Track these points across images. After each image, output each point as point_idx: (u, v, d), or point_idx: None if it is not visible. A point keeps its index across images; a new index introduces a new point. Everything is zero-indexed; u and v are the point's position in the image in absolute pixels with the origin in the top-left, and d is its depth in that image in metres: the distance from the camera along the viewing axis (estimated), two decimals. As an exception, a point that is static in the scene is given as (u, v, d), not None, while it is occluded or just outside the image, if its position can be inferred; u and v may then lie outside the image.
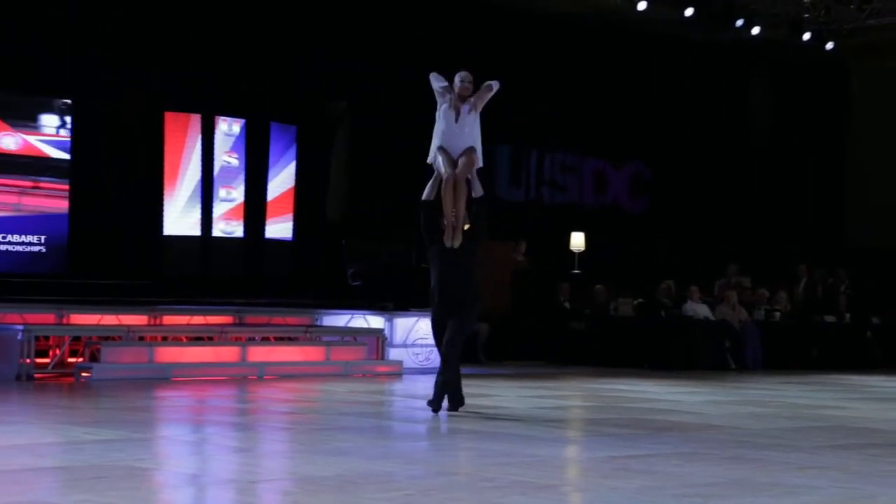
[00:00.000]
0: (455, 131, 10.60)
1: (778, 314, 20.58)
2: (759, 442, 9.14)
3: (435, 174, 10.57)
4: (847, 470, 7.76)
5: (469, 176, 10.51)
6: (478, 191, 10.56)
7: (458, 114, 10.64)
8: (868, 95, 25.21)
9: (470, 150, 10.57)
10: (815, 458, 8.35)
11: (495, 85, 10.99)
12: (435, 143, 10.68)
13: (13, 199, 16.88)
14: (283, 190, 19.08)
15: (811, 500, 6.57)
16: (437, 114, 10.73)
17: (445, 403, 10.59)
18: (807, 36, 21.82)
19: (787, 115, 25.16)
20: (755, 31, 21.08)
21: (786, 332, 20.22)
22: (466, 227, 10.52)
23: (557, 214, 22.23)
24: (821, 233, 25.02)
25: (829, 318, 21.20)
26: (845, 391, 15.08)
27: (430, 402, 10.59)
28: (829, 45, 22.17)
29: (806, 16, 21.67)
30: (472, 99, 10.77)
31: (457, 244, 10.40)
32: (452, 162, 10.52)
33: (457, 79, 10.89)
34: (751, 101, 25.17)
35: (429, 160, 10.75)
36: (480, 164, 10.69)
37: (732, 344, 19.26)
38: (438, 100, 10.79)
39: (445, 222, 10.44)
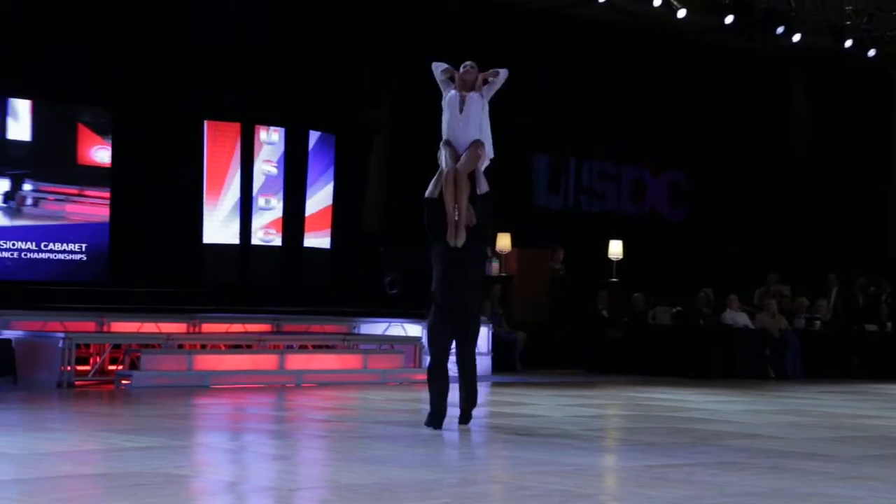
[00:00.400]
0: (460, 123, 9.98)
1: (818, 323, 20.44)
2: (800, 452, 9.10)
3: (438, 170, 10.04)
4: (888, 480, 7.72)
5: (475, 170, 9.95)
6: (483, 187, 9.98)
7: (462, 103, 9.96)
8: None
9: (476, 144, 9.96)
10: (855, 468, 8.30)
11: (503, 72, 10.11)
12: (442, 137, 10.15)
13: (56, 207, 17.01)
14: (321, 198, 19.13)
15: (851, 511, 6.53)
16: (443, 104, 10.14)
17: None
18: (848, 43, 21.69)
19: (828, 122, 24.98)
20: (796, 38, 20.96)
21: (826, 340, 20.08)
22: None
23: (595, 222, 22.19)
24: (862, 241, 24.84)
25: (871, 327, 21.05)
26: (887, 401, 14.97)
27: (432, 420, 9.92)
28: (871, 53, 22.04)
29: (848, 23, 21.55)
30: (479, 87, 10.07)
31: (460, 243, 9.79)
32: (457, 156, 9.95)
33: (460, 68, 10.15)
34: (791, 108, 25.03)
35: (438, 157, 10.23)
36: (491, 155, 10.11)
37: (772, 353, 19.15)
38: (442, 88, 10.18)
39: (448, 220, 9.85)
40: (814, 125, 25.15)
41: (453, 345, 10.10)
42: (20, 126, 16.78)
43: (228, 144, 18.39)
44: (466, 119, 9.92)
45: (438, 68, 10.21)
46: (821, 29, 21.32)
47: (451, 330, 9.93)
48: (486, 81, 10.03)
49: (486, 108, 10.04)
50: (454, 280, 9.83)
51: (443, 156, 9.94)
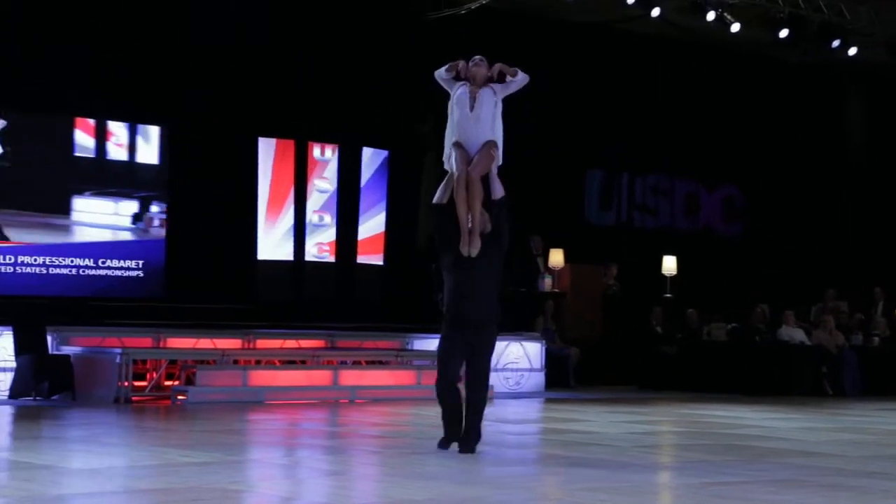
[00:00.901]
0: (471, 121, 9.05)
1: (876, 339, 20.27)
2: (859, 470, 9.02)
3: (448, 175, 9.14)
4: (947, 498, 7.65)
5: (488, 174, 9.06)
6: (498, 191, 9.04)
7: (473, 100, 9.05)
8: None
9: (490, 144, 9.06)
10: (914, 486, 8.23)
11: (523, 75, 9.22)
12: (448, 138, 9.21)
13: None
14: (374, 216, 19.19)
15: (910, 529, 6.48)
16: (449, 104, 9.20)
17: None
18: (904, 56, 21.58)
19: (884, 136, 24.81)
20: (852, 51, 20.83)
21: (885, 357, 19.89)
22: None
23: (649, 238, 22.12)
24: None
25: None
26: (945, 418, 14.84)
27: (464, 446, 9.24)
28: (928, 65, 21.90)
29: (903, 36, 21.44)
30: (493, 84, 9.19)
31: (474, 252, 8.89)
32: (468, 159, 9.05)
33: (469, 63, 9.26)
34: (846, 122, 24.86)
35: (444, 160, 9.30)
36: (500, 161, 9.19)
37: (829, 369, 19.00)
38: (448, 88, 9.27)
39: (460, 227, 8.97)
40: (870, 139, 24.97)
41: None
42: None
43: (283, 161, 18.49)
44: (477, 117, 9.05)
45: (440, 70, 9.34)
46: (876, 42, 21.19)
47: (462, 345, 9.13)
48: (502, 76, 9.23)
49: (500, 106, 9.18)
50: (467, 291, 9.00)
51: (452, 158, 9.07)
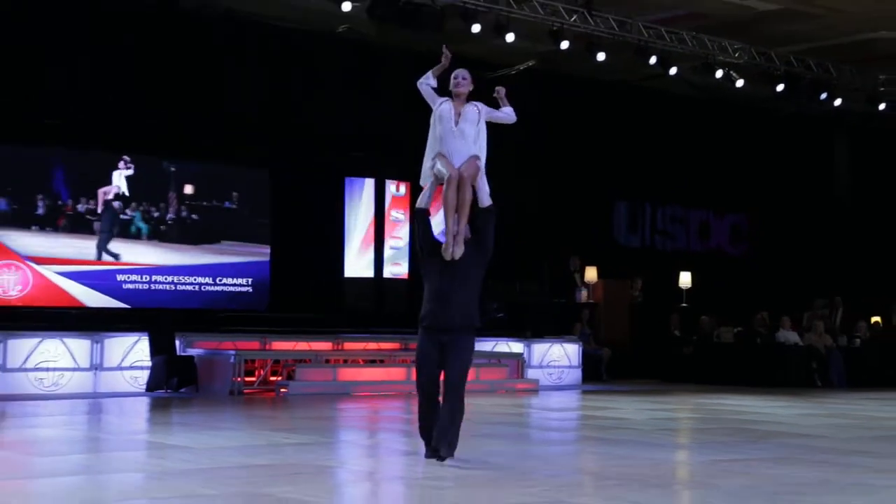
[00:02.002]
0: (455, 136, 7.66)
1: (858, 340, 20.06)
2: (843, 448, 8.94)
3: (432, 181, 7.72)
4: (919, 473, 7.56)
5: (475, 182, 7.67)
6: (486, 200, 7.65)
7: (458, 116, 7.69)
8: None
9: (474, 157, 7.69)
10: (891, 462, 8.15)
11: (509, 112, 7.92)
12: (429, 153, 7.77)
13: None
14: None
15: (888, 499, 6.42)
16: (432, 118, 7.81)
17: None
18: (882, 106, 21.35)
19: (866, 173, 24.63)
20: (837, 102, 20.67)
21: (865, 355, 19.67)
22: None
23: (668, 258, 21.99)
24: (894, 273, 24.28)
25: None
26: (918, 406, 14.64)
27: (433, 452, 7.50)
28: (902, 114, 21.69)
29: (881, 89, 21.25)
30: (476, 103, 7.81)
31: (457, 255, 7.46)
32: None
33: (451, 78, 7.82)
34: (834, 162, 24.71)
35: (422, 180, 7.81)
36: (483, 177, 7.75)
37: (819, 366, 18.80)
38: (431, 102, 7.87)
39: (445, 230, 7.57)
40: (853, 176, 24.78)
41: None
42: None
43: (364, 196, 18.60)
44: (462, 132, 7.67)
45: (427, 79, 7.94)
46: (858, 95, 21.03)
47: (439, 353, 7.53)
48: (497, 101, 7.91)
49: (484, 126, 7.78)
50: (446, 296, 7.50)
51: (439, 165, 7.68)
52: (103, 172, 16.09)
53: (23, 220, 15.44)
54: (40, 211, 15.57)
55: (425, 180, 7.77)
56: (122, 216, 16.15)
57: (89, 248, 15.94)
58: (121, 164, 16.02)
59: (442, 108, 7.74)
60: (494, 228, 7.63)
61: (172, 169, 16.55)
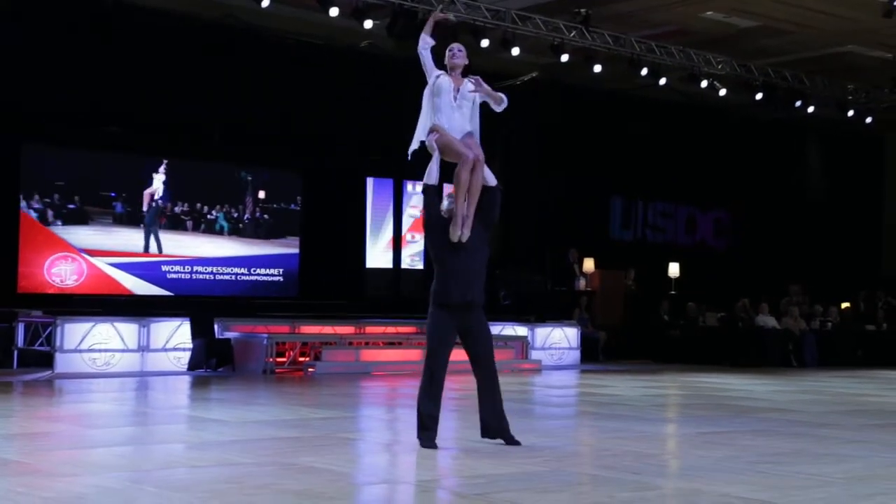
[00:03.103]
0: (455, 110, 6.95)
1: (830, 324, 20.00)
2: (816, 422, 8.91)
3: (436, 155, 6.94)
4: (886, 443, 7.53)
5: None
6: (492, 180, 6.96)
7: (456, 92, 6.95)
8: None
9: (474, 137, 7.02)
10: (860, 434, 8.11)
11: (504, 100, 7.07)
12: (424, 124, 7.04)
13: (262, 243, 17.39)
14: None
15: (857, 466, 6.39)
16: (427, 90, 7.02)
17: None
18: (850, 113, 21.28)
19: (835, 174, 24.56)
20: (810, 109, 20.59)
21: (836, 338, 19.62)
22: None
23: (658, 250, 21.93)
24: (861, 263, 24.21)
25: (870, 327, 20.54)
26: (884, 383, 14.56)
27: (424, 439, 6.82)
28: (868, 120, 21.57)
29: (850, 98, 21.17)
30: (475, 79, 6.97)
31: (464, 237, 6.78)
32: (463, 142, 6.93)
33: (446, 51, 7.09)
34: (807, 163, 24.65)
35: (417, 143, 7.08)
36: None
37: (794, 347, 18.75)
38: (428, 72, 7.07)
39: (456, 211, 6.83)
40: (824, 176, 24.71)
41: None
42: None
43: (384, 194, 18.59)
44: (460, 106, 6.95)
45: (424, 49, 7.10)
46: (829, 103, 20.96)
47: (453, 333, 6.96)
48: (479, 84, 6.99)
49: (478, 103, 7.08)
50: (461, 273, 6.81)
51: (450, 138, 6.90)
52: (148, 174, 16.19)
53: (79, 217, 15.50)
54: (94, 208, 15.64)
55: (427, 147, 6.96)
56: (166, 212, 16.26)
57: (138, 242, 15.99)
58: (161, 169, 16.11)
59: (441, 79, 6.96)
60: (498, 206, 6.99)
61: (249, 178, 17.01)
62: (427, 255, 7.61)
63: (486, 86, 6.99)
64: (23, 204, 15.11)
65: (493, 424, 6.93)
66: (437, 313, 6.91)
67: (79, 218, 15.50)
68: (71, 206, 15.44)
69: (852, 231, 24.44)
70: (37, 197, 15.19)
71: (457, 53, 7.08)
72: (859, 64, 19.52)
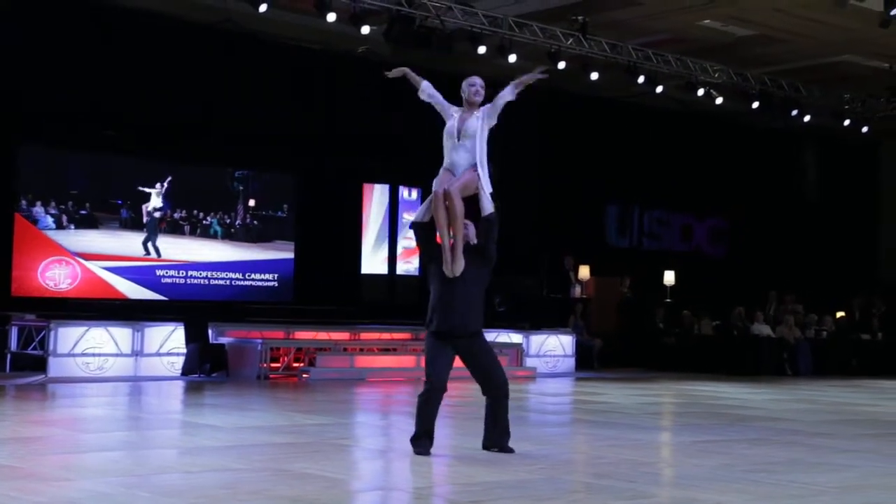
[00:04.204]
0: (459, 150, 6.97)
1: (825, 333, 20.03)
2: (810, 431, 8.92)
3: (430, 195, 6.97)
4: (880, 453, 7.54)
5: (478, 192, 6.90)
6: (487, 208, 6.85)
7: (459, 131, 6.98)
8: (894, 167, 24.73)
9: (472, 166, 6.94)
10: (854, 443, 8.12)
11: (505, 92, 7.09)
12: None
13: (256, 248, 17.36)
14: (448, 240, 19.18)
15: (850, 476, 6.40)
16: (444, 132, 7.09)
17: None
18: (847, 122, 21.35)
19: (833, 182, 24.62)
20: (806, 118, 20.65)
21: (830, 347, 19.64)
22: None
23: (654, 257, 21.95)
24: (858, 270, 24.25)
25: (865, 336, 20.56)
26: (878, 393, 14.59)
27: (417, 445, 6.86)
28: (865, 129, 21.64)
29: (846, 107, 21.24)
30: (482, 111, 7.02)
31: (457, 271, 6.77)
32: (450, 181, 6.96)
33: (464, 85, 7.09)
34: (804, 171, 24.70)
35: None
36: (488, 183, 6.91)
37: (789, 356, 18.78)
38: (442, 112, 7.17)
39: (443, 247, 6.84)
40: (821, 184, 24.77)
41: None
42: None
43: (379, 200, 18.59)
44: (463, 145, 6.94)
45: (431, 92, 7.21)
46: (824, 111, 21.03)
47: (451, 355, 6.97)
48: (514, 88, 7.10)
49: (485, 132, 6.99)
50: (453, 303, 6.83)
51: (435, 180, 6.99)
52: (146, 180, 16.17)
53: (74, 221, 15.49)
54: (89, 212, 15.62)
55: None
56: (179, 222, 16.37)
57: (132, 246, 15.97)
58: (157, 186, 16.14)
59: (448, 124, 7.04)
60: (498, 233, 6.90)
61: (241, 188, 17.08)
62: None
63: (524, 78, 7.17)
64: (23, 205, 15.07)
65: (494, 439, 7.04)
66: (427, 338, 7.01)
67: (87, 222, 15.51)
68: (63, 208, 15.40)
69: (848, 239, 24.49)
70: (29, 198, 15.15)
71: (479, 90, 7.08)
72: (855, 73, 19.58)
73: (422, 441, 6.88)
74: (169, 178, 16.19)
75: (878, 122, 21.60)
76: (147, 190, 16.06)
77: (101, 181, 15.80)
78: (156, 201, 16.09)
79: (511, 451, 6.97)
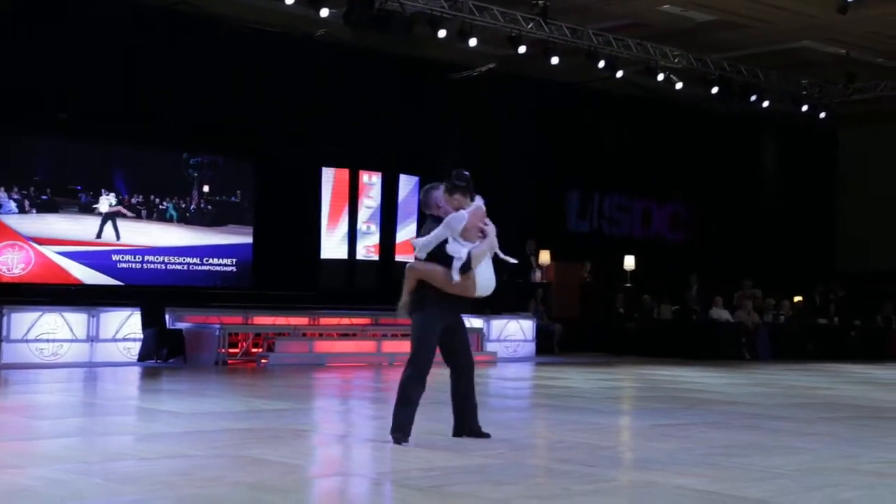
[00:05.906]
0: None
1: (783, 318, 20.24)
2: (768, 414, 9.00)
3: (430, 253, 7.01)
4: (836, 436, 7.62)
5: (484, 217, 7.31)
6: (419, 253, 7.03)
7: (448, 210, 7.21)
8: (852, 153, 24.97)
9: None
10: (810, 426, 8.21)
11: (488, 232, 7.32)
12: (439, 237, 7.09)
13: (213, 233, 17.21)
14: (408, 224, 19.15)
15: (808, 459, 6.46)
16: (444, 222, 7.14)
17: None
18: (804, 108, 21.53)
19: (790, 168, 24.82)
20: (765, 104, 20.81)
21: (788, 331, 19.86)
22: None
23: (614, 243, 22.04)
24: (814, 258, 24.52)
25: (822, 321, 20.82)
26: (834, 376, 14.77)
27: (398, 435, 6.59)
28: (822, 115, 21.85)
29: (804, 93, 21.42)
30: (453, 217, 7.14)
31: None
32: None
33: (477, 210, 7.38)
34: (762, 157, 24.89)
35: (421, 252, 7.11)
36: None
37: (747, 340, 18.97)
38: (448, 228, 7.15)
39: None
40: (778, 169, 24.98)
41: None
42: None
43: (339, 184, 18.49)
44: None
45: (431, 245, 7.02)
46: (784, 97, 21.20)
47: (441, 334, 7.00)
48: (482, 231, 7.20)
49: (439, 233, 7.02)
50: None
51: (450, 215, 7.11)
52: (103, 166, 15.96)
53: (35, 206, 15.28)
54: (44, 197, 15.41)
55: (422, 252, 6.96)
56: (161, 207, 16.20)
57: (88, 231, 15.77)
58: (108, 196, 15.94)
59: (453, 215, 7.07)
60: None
61: (196, 174, 16.90)
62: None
63: (494, 250, 7.31)
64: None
65: (471, 423, 6.95)
66: (426, 319, 7.05)
67: (26, 206, 15.25)
68: (25, 193, 15.18)
69: (807, 225, 24.74)
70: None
71: (487, 227, 7.26)
72: (814, 59, 19.75)
73: (407, 430, 6.64)
74: (120, 198, 16.01)
75: (836, 108, 21.83)
76: (101, 199, 15.89)
77: (60, 167, 15.56)
78: (105, 208, 15.89)
79: (487, 435, 6.87)
